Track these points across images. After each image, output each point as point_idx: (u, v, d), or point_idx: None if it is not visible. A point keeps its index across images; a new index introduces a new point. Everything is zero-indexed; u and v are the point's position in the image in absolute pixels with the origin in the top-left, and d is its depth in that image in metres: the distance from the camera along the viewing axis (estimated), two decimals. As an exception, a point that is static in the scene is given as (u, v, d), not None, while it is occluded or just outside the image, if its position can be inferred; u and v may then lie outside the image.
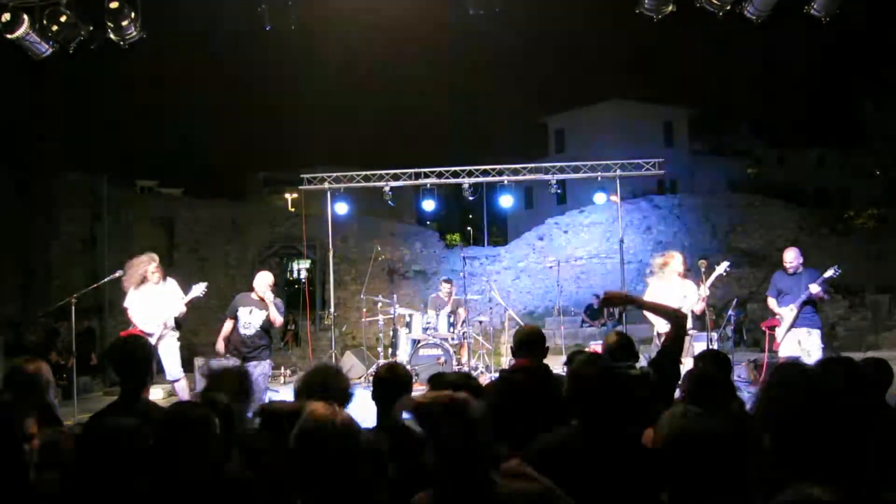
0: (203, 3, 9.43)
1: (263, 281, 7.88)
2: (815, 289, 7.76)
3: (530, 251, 20.31)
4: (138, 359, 3.76)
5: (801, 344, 7.85)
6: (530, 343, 4.26)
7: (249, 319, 7.78)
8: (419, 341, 11.10)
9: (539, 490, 2.37)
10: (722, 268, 8.25)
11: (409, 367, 10.65)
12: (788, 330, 7.93)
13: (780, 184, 30.74)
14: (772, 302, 8.24)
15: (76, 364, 10.05)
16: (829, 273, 7.86)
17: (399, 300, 12.79)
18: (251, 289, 7.93)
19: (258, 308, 7.80)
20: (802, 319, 7.91)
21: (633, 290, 14.46)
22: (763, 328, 8.80)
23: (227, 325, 7.90)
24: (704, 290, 8.00)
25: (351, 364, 12.13)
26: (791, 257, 8.11)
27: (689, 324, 8.12)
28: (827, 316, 16.53)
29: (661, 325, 7.73)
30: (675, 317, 4.16)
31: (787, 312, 7.96)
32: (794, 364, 3.28)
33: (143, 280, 7.85)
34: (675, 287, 7.94)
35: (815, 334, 7.94)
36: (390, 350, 11.93)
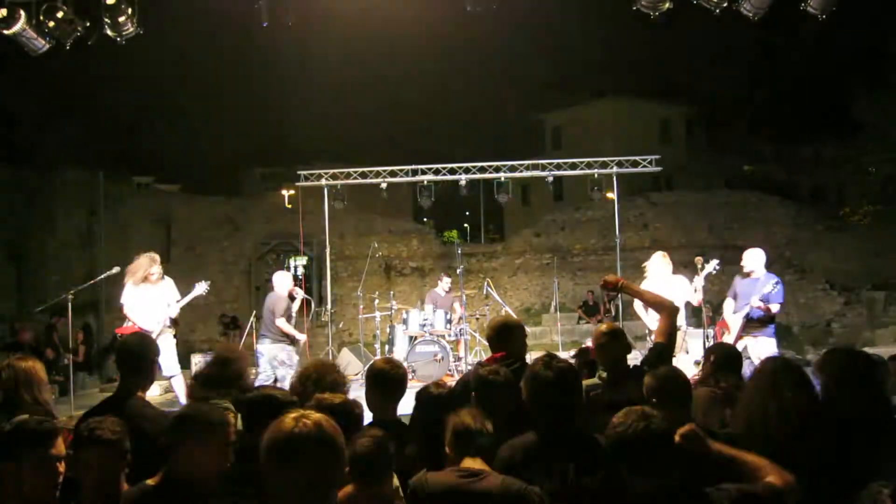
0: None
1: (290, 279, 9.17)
2: (755, 303, 7.31)
3: (527, 248, 20.32)
4: (143, 357, 3.73)
5: (749, 350, 7.37)
6: (504, 334, 4.13)
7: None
8: (416, 338, 11.11)
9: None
10: (711, 266, 8.11)
11: (405, 363, 10.69)
12: (737, 339, 7.46)
13: (777, 180, 30.78)
14: (727, 304, 7.82)
15: (72, 360, 10.05)
16: (768, 289, 7.30)
17: (396, 297, 12.81)
18: (271, 289, 9.17)
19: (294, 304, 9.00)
20: (748, 328, 7.45)
21: (629, 287, 14.49)
22: (715, 331, 8.44)
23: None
24: (699, 282, 7.91)
25: (347, 361, 12.14)
26: (749, 260, 7.67)
27: (685, 320, 8.17)
28: (823, 312, 16.62)
29: (652, 323, 7.73)
30: (668, 308, 4.16)
31: (734, 321, 7.56)
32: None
33: (145, 279, 7.91)
34: (664, 285, 7.95)
35: (763, 341, 7.40)
36: (387, 347, 11.94)
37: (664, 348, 3.99)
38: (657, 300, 4.41)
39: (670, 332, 4.04)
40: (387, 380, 3.48)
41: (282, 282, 9.01)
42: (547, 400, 2.99)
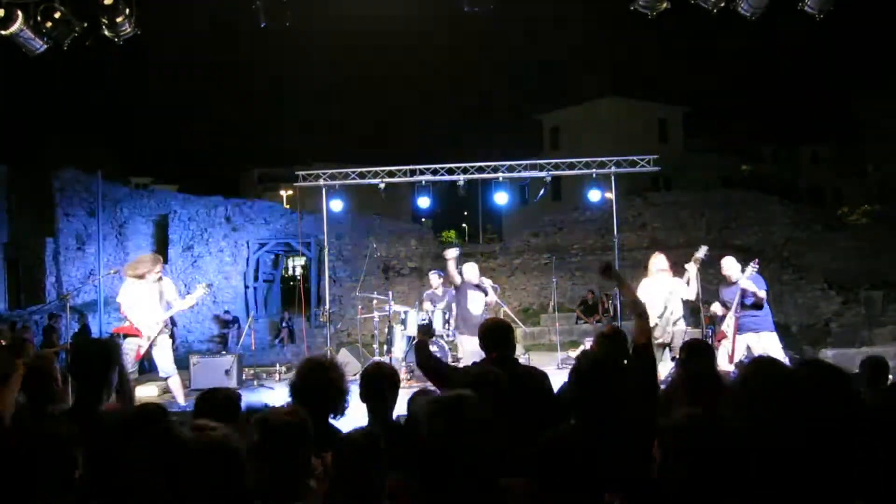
0: (198, 0, 9.44)
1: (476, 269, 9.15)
2: (744, 283, 7.43)
3: (525, 248, 20.34)
4: (93, 367, 3.47)
5: (752, 350, 7.46)
6: (493, 335, 4.13)
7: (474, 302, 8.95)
8: (414, 338, 11.08)
9: None
10: (701, 252, 8.18)
11: (404, 364, 10.68)
12: (734, 341, 7.53)
13: (774, 180, 30.85)
14: (717, 310, 7.97)
15: (68, 360, 10.02)
16: (748, 271, 7.49)
17: (394, 297, 12.79)
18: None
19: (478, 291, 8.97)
20: (744, 325, 7.55)
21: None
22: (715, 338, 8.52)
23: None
24: (691, 271, 7.92)
25: (346, 361, 12.13)
26: (728, 267, 7.82)
27: (684, 320, 8.18)
28: (821, 312, 16.62)
29: (652, 321, 7.75)
30: (640, 309, 4.13)
31: (728, 321, 7.63)
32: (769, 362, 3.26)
33: (142, 276, 7.88)
34: (662, 284, 7.97)
35: (767, 336, 7.49)
36: (385, 347, 11.93)
37: (646, 348, 4.02)
38: (633, 299, 4.33)
39: (646, 331, 4.01)
40: (370, 382, 3.49)
41: (467, 272, 9.18)
42: (579, 392, 3.00)
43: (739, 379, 2.90)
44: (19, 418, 3.49)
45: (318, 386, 3.32)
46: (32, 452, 2.36)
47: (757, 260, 7.80)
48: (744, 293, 7.56)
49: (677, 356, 4.42)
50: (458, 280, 9.06)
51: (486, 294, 9.02)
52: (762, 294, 7.56)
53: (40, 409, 3.54)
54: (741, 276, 7.73)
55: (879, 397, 3.61)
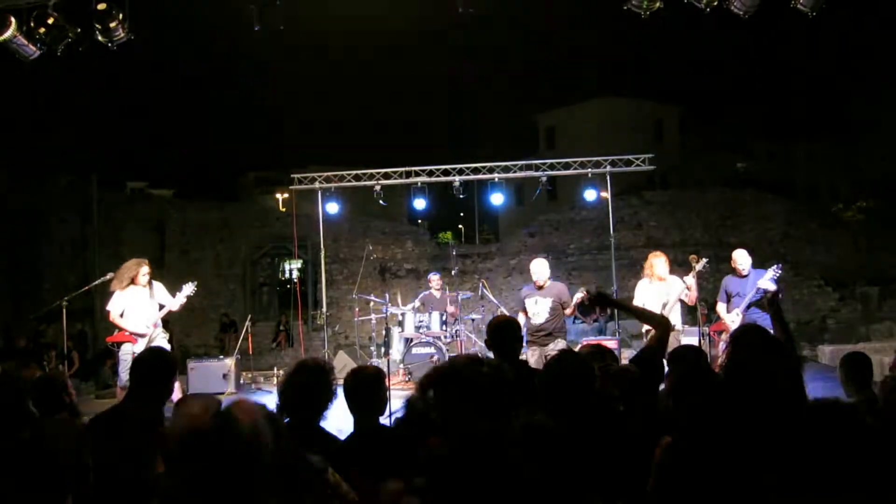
0: (192, 4, 9.43)
1: (545, 269, 8.10)
2: (764, 284, 7.35)
3: (522, 248, 20.32)
4: (161, 371, 3.63)
5: None
6: (494, 333, 4.18)
7: (536, 309, 7.93)
8: (412, 340, 11.09)
9: None
10: (700, 264, 8.17)
11: (401, 366, 10.67)
12: None
13: (770, 178, 30.84)
14: (721, 308, 7.94)
15: (67, 367, 10.00)
16: (770, 274, 7.42)
17: (391, 299, 12.78)
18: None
19: (542, 296, 7.94)
20: (748, 321, 7.35)
21: (624, 286, 14.55)
22: (710, 332, 8.46)
23: (521, 318, 7.97)
24: (690, 281, 7.94)
25: (344, 363, 12.12)
26: (743, 259, 7.81)
27: (680, 319, 8.19)
28: (818, 308, 16.65)
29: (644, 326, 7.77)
30: (660, 322, 4.34)
31: (733, 318, 7.63)
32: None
33: (132, 282, 7.90)
34: (658, 286, 7.98)
35: None
36: (383, 349, 11.92)
37: (655, 350, 4.10)
38: (650, 315, 4.62)
39: (663, 340, 4.16)
40: (347, 390, 3.48)
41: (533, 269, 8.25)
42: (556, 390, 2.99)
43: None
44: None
45: (310, 389, 3.32)
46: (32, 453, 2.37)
47: (780, 264, 7.79)
48: (769, 291, 7.45)
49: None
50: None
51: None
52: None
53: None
54: (752, 270, 7.75)
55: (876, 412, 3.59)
